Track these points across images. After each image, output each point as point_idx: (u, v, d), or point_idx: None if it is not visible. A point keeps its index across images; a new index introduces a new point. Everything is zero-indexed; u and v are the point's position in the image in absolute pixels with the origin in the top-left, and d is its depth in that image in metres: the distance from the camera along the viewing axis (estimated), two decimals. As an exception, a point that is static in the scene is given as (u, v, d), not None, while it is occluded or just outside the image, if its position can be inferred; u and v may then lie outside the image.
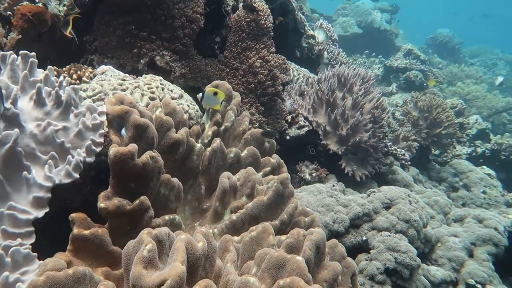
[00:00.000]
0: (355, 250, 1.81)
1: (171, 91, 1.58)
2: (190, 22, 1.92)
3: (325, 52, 3.57)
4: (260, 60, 2.25)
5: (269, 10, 2.30)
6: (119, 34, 1.80)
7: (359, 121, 2.58)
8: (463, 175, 3.51)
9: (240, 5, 2.26)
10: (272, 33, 2.33)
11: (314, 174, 2.50)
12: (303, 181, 2.50)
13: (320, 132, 2.62)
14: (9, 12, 1.81)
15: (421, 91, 5.25)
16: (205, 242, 0.82)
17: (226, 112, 1.62)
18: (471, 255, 1.95)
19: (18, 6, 1.70)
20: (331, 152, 2.59)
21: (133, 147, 1.02)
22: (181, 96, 1.61)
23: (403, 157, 3.10)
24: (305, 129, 2.56)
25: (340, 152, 2.60)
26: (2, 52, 1.06)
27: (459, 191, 3.38)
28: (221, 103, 1.50)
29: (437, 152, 3.93)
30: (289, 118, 2.52)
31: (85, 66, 1.64)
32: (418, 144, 3.48)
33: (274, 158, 1.60)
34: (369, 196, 2.02)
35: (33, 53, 1.11)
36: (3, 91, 0.95)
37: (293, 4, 3.01)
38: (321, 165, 2.58)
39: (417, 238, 1.79)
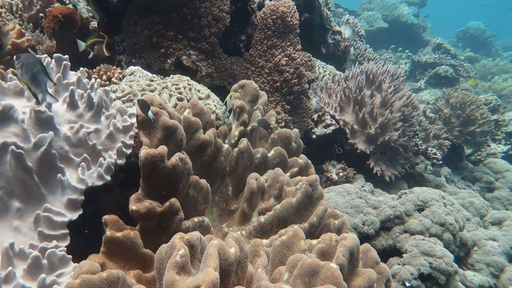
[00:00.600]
0: (386, 254, 1.75)
1: (198, 91, 1.57)
2: (216, 21, 1.91)
3: (352, 48, 3.48)
4: (286, 58, 2.21)
5: (295, 7, 2.26)
6: (146, 34, 1.82)
7: (389, 120, 2.49)
8: (499, 175, 3.33)
9: (266, 2, 2.23)
10: (298, 30, 2.29)
11: (341, 174, 2.44)
12: (329, 181, 2.44)
13: (347, 131, 2.55)
14: (41, 14, 1.87)
15: (452, 87, 5.02)
16: (237, 247, 0.80)
17: (252, 112, 1.60)
18: (511, 260, 1.84)
19: (49, 8, 1.75)
20: (358, 151, 2.52)
21: (163, 149, 1.01)
22: (208, 96, 1.60)
23: (434, 156, 2.98)
24: (332, 127, 2.50)
25: (368, 152, 2.52)
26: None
27: (494, 192, 3.22)
28: (231, 96, 1.54)
29: (469, 150, 3.76)
30: (315, 116, 2.47)
31: (114, 67, 1.66)
32: (450, 143, 3.33)
33: (302, 159, 1.57)
34: (401, 197, 1.95)
35: (66, 56, 1.13)
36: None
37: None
38: (348, 164, 2.51)
39: (452, 242, 1.71)
